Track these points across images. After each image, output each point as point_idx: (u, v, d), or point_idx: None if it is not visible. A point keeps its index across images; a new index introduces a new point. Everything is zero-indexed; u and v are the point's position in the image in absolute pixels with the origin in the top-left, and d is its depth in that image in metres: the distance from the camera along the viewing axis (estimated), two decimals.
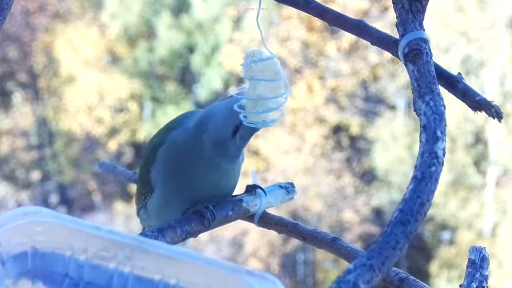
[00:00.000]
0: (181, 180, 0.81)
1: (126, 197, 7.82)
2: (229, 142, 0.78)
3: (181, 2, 8.68)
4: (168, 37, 8.47)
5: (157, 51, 8.56)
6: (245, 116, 0.72)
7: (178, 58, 8.69)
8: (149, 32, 8.73)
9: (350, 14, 0.74)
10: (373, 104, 7.88)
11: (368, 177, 7.61)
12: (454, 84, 0.63)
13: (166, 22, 8.47)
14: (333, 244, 0.81)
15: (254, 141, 7.44)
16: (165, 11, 8.55)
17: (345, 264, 0.75)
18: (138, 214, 0.91)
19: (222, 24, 8.28)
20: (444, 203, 6.85)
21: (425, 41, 0.63)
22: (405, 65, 0.62)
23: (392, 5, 0.67)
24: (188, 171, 0.80)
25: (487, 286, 0.75)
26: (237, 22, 8.21)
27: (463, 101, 0.62)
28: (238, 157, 0.82)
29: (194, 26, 8.50)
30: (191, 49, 8.59)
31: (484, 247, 0.79)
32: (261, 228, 0.88)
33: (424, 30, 0.64)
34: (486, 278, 0.75)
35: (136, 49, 8.62)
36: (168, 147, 0.82)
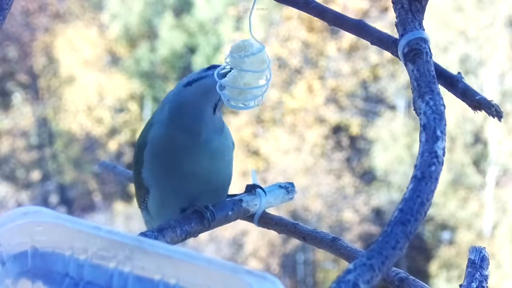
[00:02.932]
0: (172, 174, 0.81)
1: (126, 197, 7.82)
2: (212, 118, 0.80)
3: (183, 2, 8.68)
4: (170, 37, 8.47)
5: (159, 51, 8.56)
6: (228, 100, 0.72)
7: (179, 59, 8.69)
8: (150, 32, 8.73)
9: (350, 14, 0.74)
10: (373, 104, 7.88)
11: (368, 177, 7.61)
12: (454, 83, 0.63)
13: (168, 23, 8.47)
14: (333, 244, 0.81)
15: (254, 141, 7.45)
16: (167, 12, 8.55)
17: (345, 264, 0.75)
18: (142, 216, 0.91)
19: (224, 25, 8.28)
20: (443, 203, 6.85)
21: (425, 40, 0.63)
22: (405, 64, 0.62)
23: (392, 5, 0.67)
24: (177, 163, 0.80)
25: (487, 286, 0.75)
26: (238, 22, 8.21)
27: (463, 101, 0.62)
28: (223, 125, 0.83)
29: (196, 26, 8.50)
30: (193, 50, 8.59)
31: (484, 247, 0.79)
32: (261, 228, 0.88)
33: (423, 29, 0.64)
34: (486, 278, 0.75)
35: (137, 49, 8.62)
36: (152, 146, 0.82)
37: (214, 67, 0.79)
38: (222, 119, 0.83)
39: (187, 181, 0.81)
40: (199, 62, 8.42)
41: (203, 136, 0.80)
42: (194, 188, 0.81)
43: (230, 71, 0.73)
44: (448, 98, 0.63)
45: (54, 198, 8.37)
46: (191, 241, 0.85)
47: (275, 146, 7.37)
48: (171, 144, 0.80)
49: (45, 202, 7.97)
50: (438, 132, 0.53)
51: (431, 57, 0.62)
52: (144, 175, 0.83)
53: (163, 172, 0.82)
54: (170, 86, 8.59)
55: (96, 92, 8.30)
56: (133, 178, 0.88)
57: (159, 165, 0.82)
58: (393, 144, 7.25)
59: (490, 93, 6.65)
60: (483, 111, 0.60)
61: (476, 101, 0.60)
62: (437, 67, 0.63)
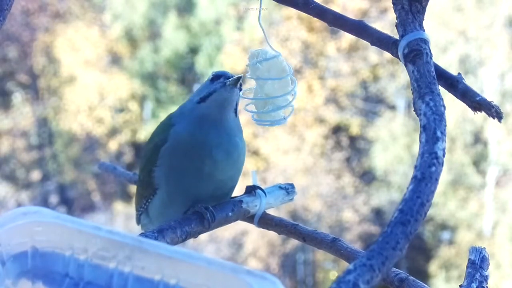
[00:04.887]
0: (187, 174, 0.81)
1: (126, 197, 7.82)
2: (234, 121, 0.81)
3: (186, 2, 8.67)
4: (173, 37, 8.46)
5: (162, 51, 8.56)
6: (256, 116, 0.72)
7: (182, 59, 8.69)
8: (152, 33, 8.72)
9: (350, 14, 0.74)
10: (373, 104, 7.88)
11: (368, 177, 7.61)
12: (454, 84, 0.63)
13: (171, 23, 8.47)
14: (333, 245, 0.81)
15: (254, 141, 7.44)
16: (170, 12, 8.55)
17: (345, 264, 0.75)
18: (139, 221, 0.90)
19: (226, 25, 8.28)
20: (443, 203, 6.84)
21: (425, 41, 0.63)
22: (405, 65, 0.62)
23: (392, 5, 0.67)
24: (198, 164, 0.80)
25: (487, 287, 0.75)
26: (239, 22, 8.21)
27: (463, 101, 0.62)
28: (240, 125, 0.84)
29: (199, 26, 8.50)
30: (195, 50, 8.58)
31: (484, 248, 0.79)
32: (260, 228, 0.88)
33: (424, 30, 0.64)
34: (486, 278, 0.75)
35: (140, 50, 8.62)
36: (173, 144, 0.82)
37: (217, 76, 0.80)
38: (238, 118, 0.84)
39: (202, 183, 0.81)
40: (201, 63, 8.42)
41: (228, 140, 0.81)
42: (205, 191, 0.81)
43: (240, 77, 0.73)
44: (448, 98, 0.63)
45: (54, 198, 8.36)
46: (191, 241, 0.85)
47: (275, 146, 7.37)
48: (195, 145, 0.81)
49: (45, 202, 7.97)
50: (438, 133, 0.53)
51: (431, 58, 0.62)
52: (156, 174, 0.83)
53: (178, 172, 0.82)
54: (172, 87, 8.60)
55: (96, 92, 8.30)
56: (140, 177, 0.88)
57: (176, 164, 0.82)
58: (393, 144, 7.25)
59: (489, 94, 6.65)
60: (483, 112, 0.60)
61: (476, 102, 0.60)
62: (437, 68, 0.62)
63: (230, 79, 0.76)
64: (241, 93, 0.76)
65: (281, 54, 0.71)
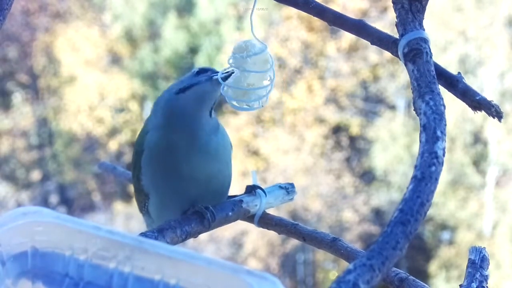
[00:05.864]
0: (171, 179, 0.81)
1: (126, 197, 7.82)
2: (208, 120, 0.80)
3: (186, 2, 8.68)
4: (173, 37, 8.47)
5: (162, 51, 8.56)
6: (232, 102, 0.73)
7: (182, 59, 8.69)
8: (152, 33, 8.73)
9: (350, 14, 0.74)
10: (373, 104, 7.88)
11: (368, 177, 7.61)
12: (454, 83, 0.63)
13: (171, 23, 8.47)
14: (333, 245, 0.81)
15: (254, 141, 7.45)
16: (170, 12, 8.55)
17: (345, 264, 0.75)
18: (144, 219, 0.90)
19: (225, 25, 8.28)
20: (443, 203, 6.84)
21: (425, 40, 0.63)
22: (405, 64, 0.62)
23: (392, 5, 0.67)
24: (175, 167, 0.80)
25: (487, 286, 0.75)
26: (239, 22, 8.21)
27: (463, 101, 0.62)
28: (218, 124, 0.82)
29: (199, 26, 8.50)
30: (195, 50, 8.59)
31: (484, 247, 0.79)
32: (260, 228, 0.88)
33: (424, 29, 0.64)
34: (486, 278, 0.75)
35: (140, 50, 8.62)
36: (149, 152, 0.82)
37: (203, 70, 0.80)
38: (216, 118, 0.83)
39: (187, 184, 0.80)
40: (201, 63, 8.42)
41: (201, 139, 0.79)
42: (194, 191, 0.81)
43: (232, 73, 0.73)
44: (448, 98, 0.62)
45: (54, 198, 8.36)
46: (191, 241, 0.85)
47: (275, 146, 7.37)
48: (168, 149, 0.80)
49: (45, 202, 7.97)
50: (438, 133, 0.53)
51: (431, 57, 0.62)
52: (143, 181, 0.83)
53: (162, 177, 0.81)
54: None
55: (96, 92, 8.30)
56: (133, 184, 0.88)
57: (157, 170, 0.81)
58: (393, 144, 7.25)
59: (489, 93, 6.65)
60: (483, 111, 0.60)
61: (476, 102, 0.60)
62: (437, 67, 0.62)
63: (221, 73, 0.75)
64: (219, 75, 0.76)
65: (267, 46, 0.72)
